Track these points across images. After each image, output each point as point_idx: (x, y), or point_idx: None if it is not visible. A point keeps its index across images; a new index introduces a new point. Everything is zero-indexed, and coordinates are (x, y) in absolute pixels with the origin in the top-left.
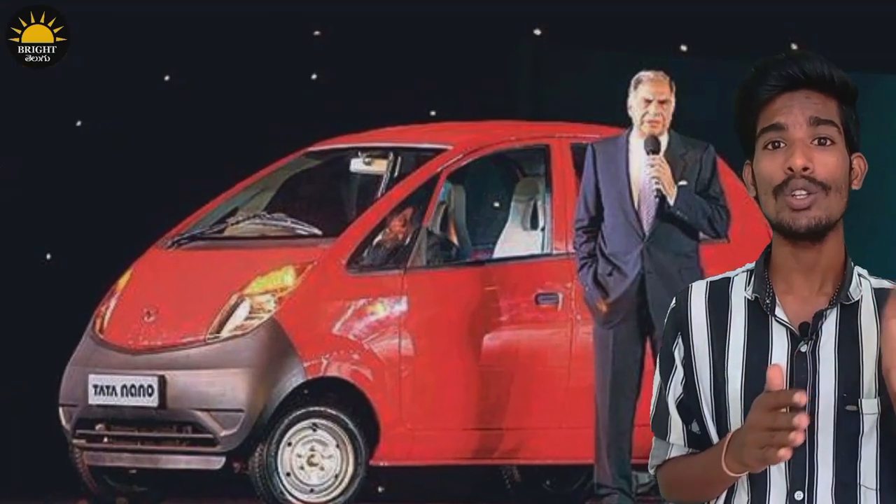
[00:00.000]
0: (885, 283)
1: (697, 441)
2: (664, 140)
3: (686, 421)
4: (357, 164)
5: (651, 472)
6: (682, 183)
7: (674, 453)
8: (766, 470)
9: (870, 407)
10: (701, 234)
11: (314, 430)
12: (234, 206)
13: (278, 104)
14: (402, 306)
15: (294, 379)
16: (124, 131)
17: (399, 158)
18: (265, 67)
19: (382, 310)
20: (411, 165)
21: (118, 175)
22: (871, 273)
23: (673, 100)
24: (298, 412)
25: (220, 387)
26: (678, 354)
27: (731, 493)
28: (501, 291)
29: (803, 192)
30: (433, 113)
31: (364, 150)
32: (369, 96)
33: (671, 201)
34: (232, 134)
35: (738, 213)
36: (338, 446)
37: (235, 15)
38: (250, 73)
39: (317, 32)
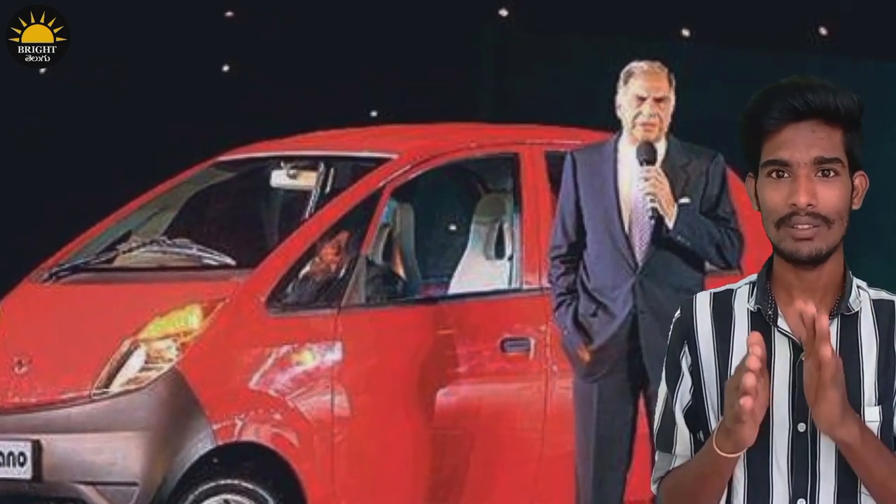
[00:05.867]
0: (884, 294)
1: None
2: (661, 147)
3: (692, 430)
4: (279, 178)
5: (654, 487)
6: (684, 200)
7: (677, 464)
8: (768, 477)
9: (871, 415)
10: (707, 265)
11: None
12: (127, 230)
13: (181, 102)
14: (335, 354)
15: (201, 445)
16: None
17: (332, 170)
18: (166, 56)
19: (311, 359)
20: (347, 179)
21: None
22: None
23: (672, 97)
24: (206, 486)
25: (110, 454)
26: (685, 363)
27: (732, 501)
28: (459, 336)
29: (807, 226)
30: (374, 113)
31: (288, 159)
32: (295, 92)
33: (670, 223)
34: (123, 139)
35: (752, 237)
36: None
37: None
38: (147, 64)
39: (229, 13)
